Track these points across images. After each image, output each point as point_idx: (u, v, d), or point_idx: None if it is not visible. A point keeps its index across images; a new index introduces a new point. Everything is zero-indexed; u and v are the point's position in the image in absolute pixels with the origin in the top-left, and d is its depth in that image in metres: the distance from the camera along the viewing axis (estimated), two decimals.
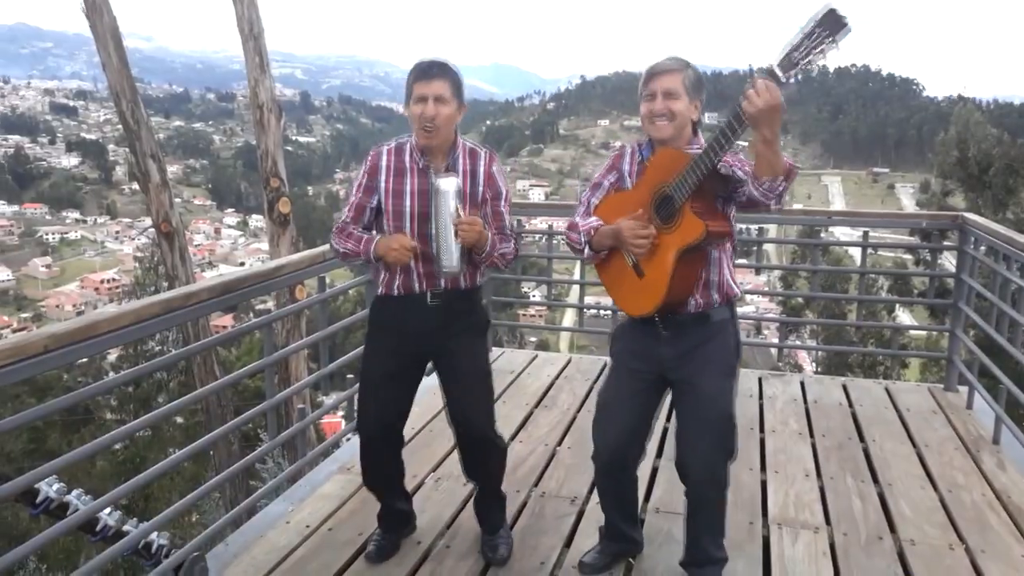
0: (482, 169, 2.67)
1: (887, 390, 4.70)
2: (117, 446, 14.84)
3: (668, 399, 2.62)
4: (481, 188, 2.66)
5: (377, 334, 2.80)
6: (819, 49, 1.91)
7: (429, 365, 2.83)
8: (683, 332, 2.46)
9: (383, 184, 2.64)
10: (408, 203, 2.62)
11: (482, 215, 2.64)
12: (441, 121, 2.52)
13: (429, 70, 2.53)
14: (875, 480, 3.54)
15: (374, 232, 2.68)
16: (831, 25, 1.88)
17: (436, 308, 2.68)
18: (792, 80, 1.99)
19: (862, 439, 3.99)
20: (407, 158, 2.65)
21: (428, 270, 2.64)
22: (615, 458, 2.64)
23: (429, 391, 4.20)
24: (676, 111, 2.35)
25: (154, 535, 2.68)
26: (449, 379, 2.78)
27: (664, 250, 2.31)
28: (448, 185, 2.49)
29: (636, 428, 2.60)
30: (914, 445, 3.91)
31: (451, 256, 2.51)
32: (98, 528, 2.56)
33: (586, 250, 2.53)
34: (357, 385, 3.84)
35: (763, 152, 2.12)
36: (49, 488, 2.43)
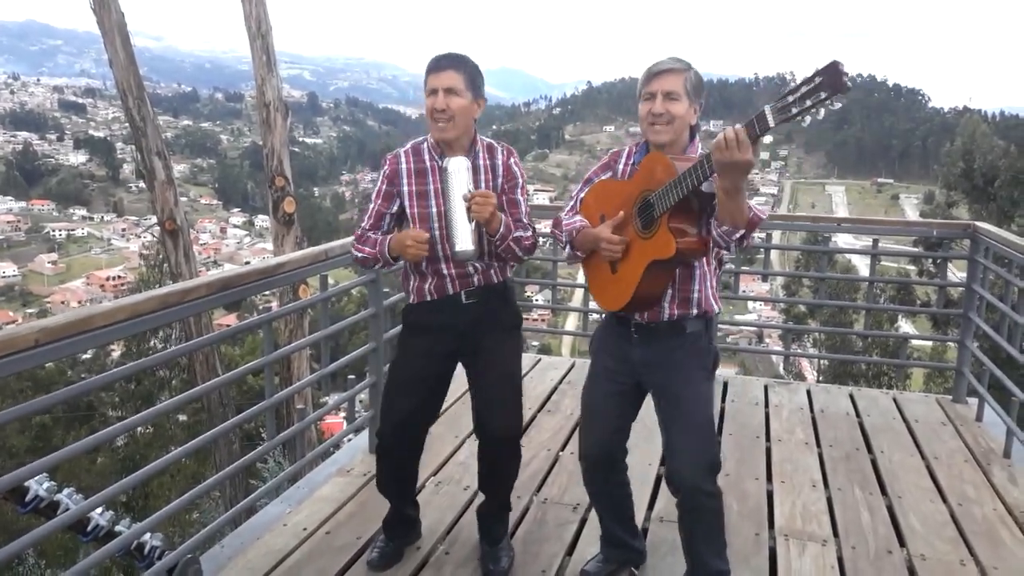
0: (500, 162, 2.61)
1: (895, 400, 4.64)
2: (119, 441, 14.82)
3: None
4: (500, 181, 2.61)
5: (409, 337, 2.73)
6: (815, 101, 1.82)
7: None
8: (655, 338, 2.43)
9: (406, 188, 2.59)
10: (433, 204, 2.55)
11: (499, 205, 2.56)
12: (452, 113, 2.45)
13: (440, 62, 2.49)
14: (884, 492, 3.47)
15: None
16: (832, 79, 1.80)
17: (471, 306, 2.62)
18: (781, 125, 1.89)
19: (870, 450, 3.93)
20: (426, 157, 2.60)
21: (460, 271, 2.59)
22: (598, 459, 2.59)
23: None
24: (676, 114, 2.28)
25: (147, 536, 2.62)
26: (478, 378, 2.69)
27: (637, 255, 2.28)
28: (457, 165, 2.42)
29: (617, 429, 2.56)
30: (923, 457, 3.84)
31: (465, 237, 2.41)
32: (89, 528, 2.51)
33: (567, 249, 2.53)
34: (358, 386, 3.80)
35: (722, 200, 2.07)
36: (39, 486, 2.37)
